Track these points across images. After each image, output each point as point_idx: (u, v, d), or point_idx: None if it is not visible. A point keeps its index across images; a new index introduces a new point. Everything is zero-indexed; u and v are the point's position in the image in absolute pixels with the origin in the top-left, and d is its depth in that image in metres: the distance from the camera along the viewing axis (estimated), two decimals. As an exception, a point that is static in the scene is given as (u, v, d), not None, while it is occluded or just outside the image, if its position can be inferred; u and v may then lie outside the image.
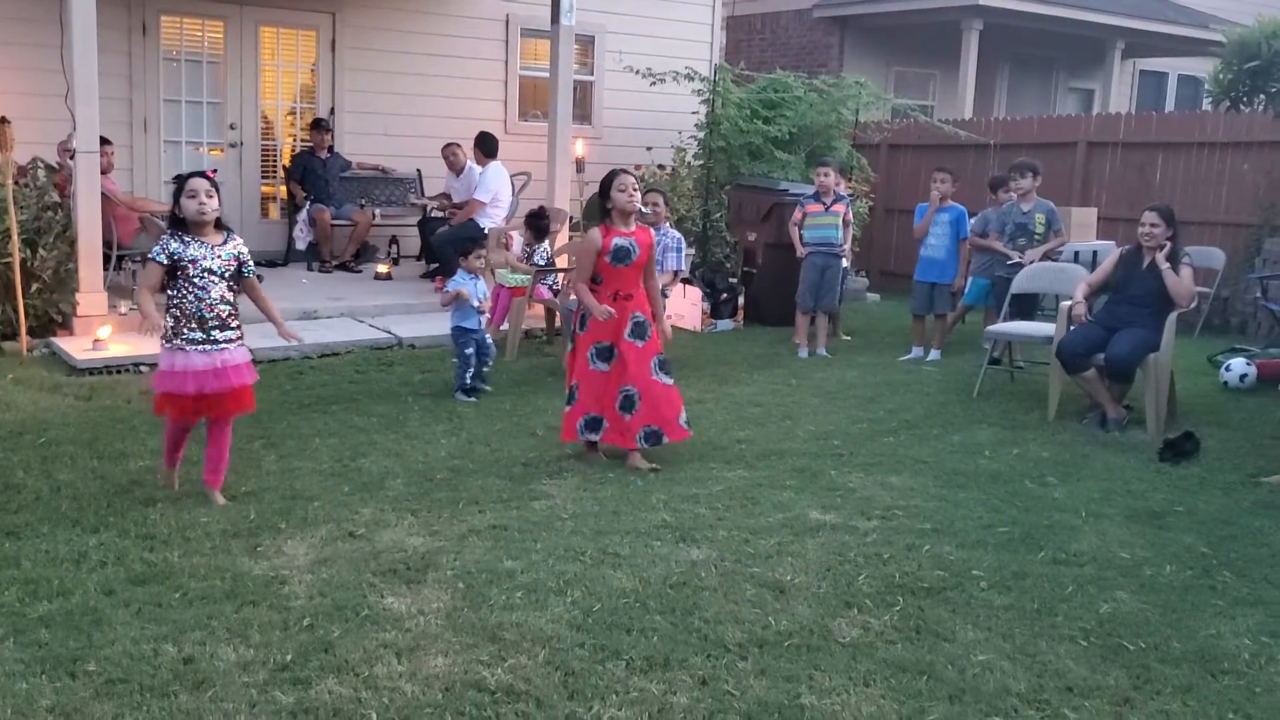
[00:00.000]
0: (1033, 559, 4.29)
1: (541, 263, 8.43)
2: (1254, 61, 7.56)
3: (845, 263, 8.87)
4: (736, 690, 3.18)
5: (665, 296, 7.83)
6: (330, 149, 10.73)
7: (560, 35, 9.52)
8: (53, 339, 7.54)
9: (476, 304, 6.82)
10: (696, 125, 11.41)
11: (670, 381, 5.51)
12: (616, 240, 5.32)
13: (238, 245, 4.65)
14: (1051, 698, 3.19)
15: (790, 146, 11.21)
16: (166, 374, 4.53)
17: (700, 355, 8.38)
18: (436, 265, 10.27)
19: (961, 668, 3.35)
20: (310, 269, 10.46)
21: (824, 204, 8.65)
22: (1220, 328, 10.23)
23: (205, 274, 4.50)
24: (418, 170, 11.31)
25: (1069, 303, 6.67)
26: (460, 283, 6.89)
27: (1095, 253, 9.31)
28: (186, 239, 4.51)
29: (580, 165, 11.12)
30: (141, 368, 7.07)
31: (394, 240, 11.37)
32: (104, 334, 7.27)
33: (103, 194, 7.88)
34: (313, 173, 10.53)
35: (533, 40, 11.87)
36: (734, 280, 10.17)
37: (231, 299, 4.60)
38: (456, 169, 10.52)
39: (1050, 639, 3.58)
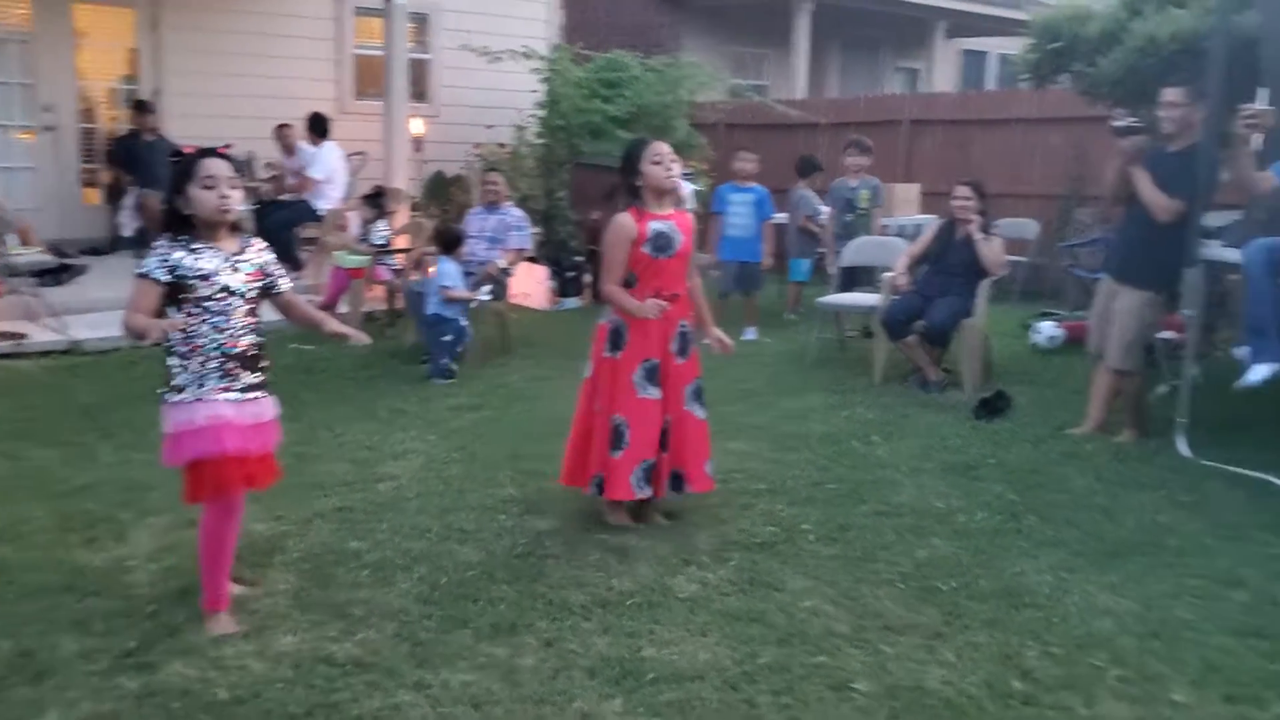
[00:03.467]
0: (857, 512, 4.58)
1: (380, 242, 8.38)
2: (1058, 43, 8.05)
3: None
4: (580, 649, 3.32)
5: (509, 275, 7.90)
6: (156, 131, 10.34)
7: (393, 13, 9.43)
8: None
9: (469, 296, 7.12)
10: (536, 104, 11.46)
11: (704, 416, 4.44)
12: (654, 225, 4.23)
13: (261, 252, 3.48)
14: (871, 636, 3.45)
15: (631, 125, 11.35)
16: (189, 434, 3.26)
17: (548, 333, 8.51)
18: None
19: (791, 614, 3.59)
20: (139, 257, 10.09)
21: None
22: (1035, 294, 10.89)
23: (223, 294, 3.32)
24: (249, 153, 11.00)
25: (891, 274, 7.05)
26: (449, 273, 7.02)
27: (919, 226, 9.80)
28: (195, 246, 3.32)
29: (419, 144, 11.03)
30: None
31: (228, 225, 11.03)
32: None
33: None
34: (138, 157, 10.13)
35: (367, 19, 11.68)
36: (579, 258, 10.30)
37: (256, 326, 3.43)
38: (289, 149, 10.31)
39: (871, 584, 3.86)
